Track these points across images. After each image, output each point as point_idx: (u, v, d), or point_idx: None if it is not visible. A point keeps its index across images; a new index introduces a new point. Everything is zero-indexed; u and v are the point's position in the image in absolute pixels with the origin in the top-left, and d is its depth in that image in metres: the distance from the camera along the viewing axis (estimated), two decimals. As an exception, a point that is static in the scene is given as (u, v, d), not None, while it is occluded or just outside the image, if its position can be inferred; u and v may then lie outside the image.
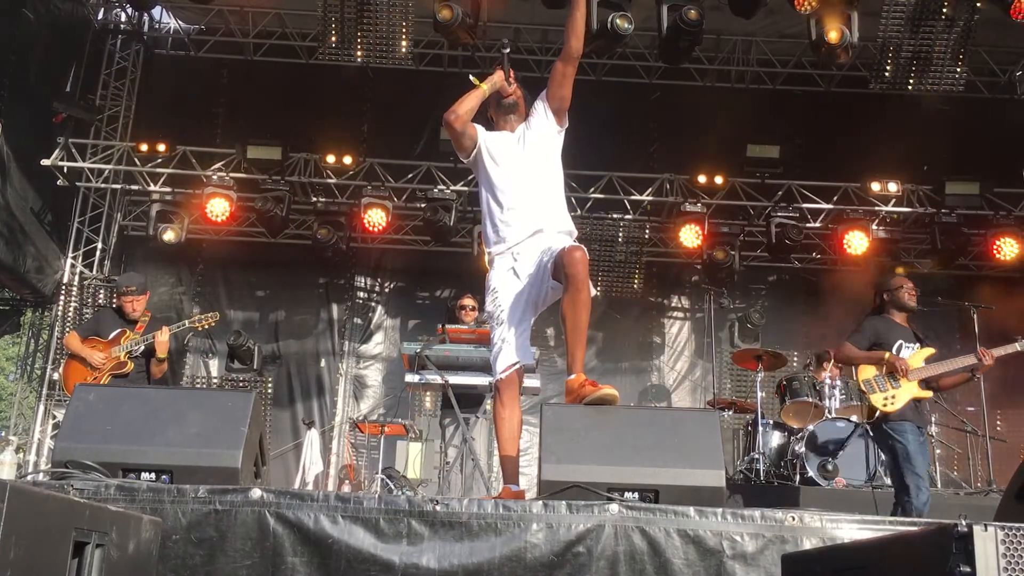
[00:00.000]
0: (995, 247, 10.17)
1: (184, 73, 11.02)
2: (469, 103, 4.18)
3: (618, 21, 8.02)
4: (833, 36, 8.14)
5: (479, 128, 4.27)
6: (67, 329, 9.90)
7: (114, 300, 6.73)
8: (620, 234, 10.59)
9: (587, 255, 3.89)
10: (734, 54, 10.79)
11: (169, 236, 10.15)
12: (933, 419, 8.54)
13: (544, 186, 4.22)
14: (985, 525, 1.72)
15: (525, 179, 4.19)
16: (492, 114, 4.40)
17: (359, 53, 8.94)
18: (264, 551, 3.00)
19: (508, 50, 4.28)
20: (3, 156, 9.23)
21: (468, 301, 8.13)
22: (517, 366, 4.06)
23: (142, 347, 6.34)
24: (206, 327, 7.04)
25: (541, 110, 4.28)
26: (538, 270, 4.07)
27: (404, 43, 8.93)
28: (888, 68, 8.85)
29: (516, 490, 3.90)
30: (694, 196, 10.51)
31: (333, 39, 8.85)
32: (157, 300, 10.60)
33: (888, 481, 7.26)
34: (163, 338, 6.28)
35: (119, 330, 6.44)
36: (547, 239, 4.11)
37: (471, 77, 4.27)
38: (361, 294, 11.45)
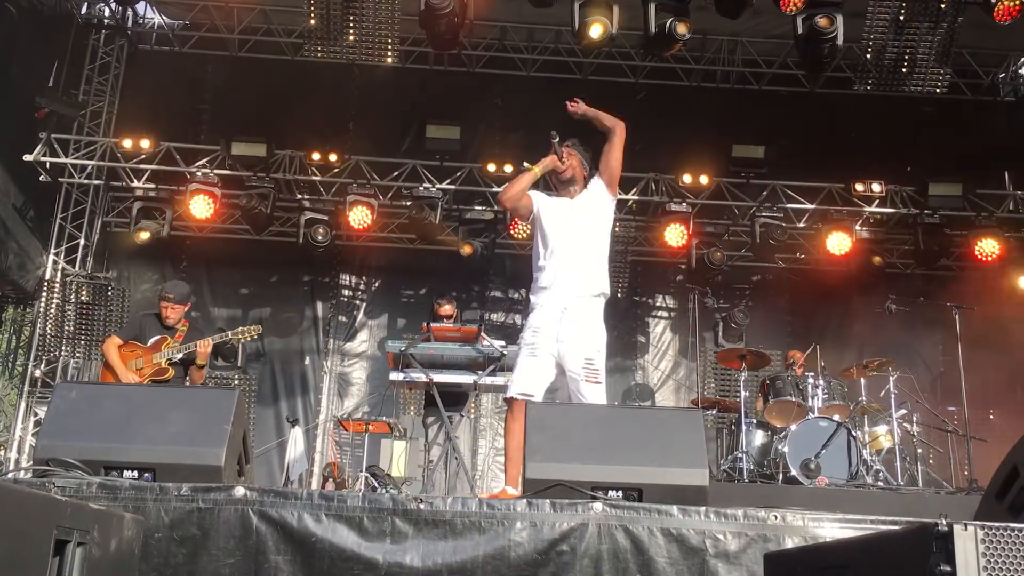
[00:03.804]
0: (977, 248, 10.27)
1: (168, 69, 10.91)
2: (519, 185, 4.74)
3: (590, 31, 8.05)
4: (824, 22, 8.13)
5: (534, 195, 4.80)
6: (62, 325, 9.81)
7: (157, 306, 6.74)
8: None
9: None
10: (720, 54, 10.81)
11: (145, 236, 10.08)
12: (915, 418, 8.60)
13: (589, 249, 4.69)
14: (965, 524, 1.73)
15: (572, 241, 4.67)
16: (554, 185, 4.92)
17: (345, 50, 8.91)
18: (247, 549, 2.99)
19: (557, 139, 4.77)
20: (-15, 151, 9.17)
21: (447, 309, 8.10)
22: (533, 397, 4.40)
23: (180, 355, 6.37)
24: (250, 339, 7.11)
25: (597, 183, 4.83)
26: (571, 356, 4.50)
27: (390, 40, 8.90)
28: (872, 69, 8.90)
29: (513, 493, 3.92)
30: (679, 196, 10.54)
31: (318, 36, 8.81)
32: (140, 297, 10.54)
33: (869, 480, 7.32)
34: (206, 349, 6.38)
35: (159, 336, 6.45)
36: (584, 330, 4.57)
37: (525, 164, 4.85)
38: (346, 292, 11.42)
